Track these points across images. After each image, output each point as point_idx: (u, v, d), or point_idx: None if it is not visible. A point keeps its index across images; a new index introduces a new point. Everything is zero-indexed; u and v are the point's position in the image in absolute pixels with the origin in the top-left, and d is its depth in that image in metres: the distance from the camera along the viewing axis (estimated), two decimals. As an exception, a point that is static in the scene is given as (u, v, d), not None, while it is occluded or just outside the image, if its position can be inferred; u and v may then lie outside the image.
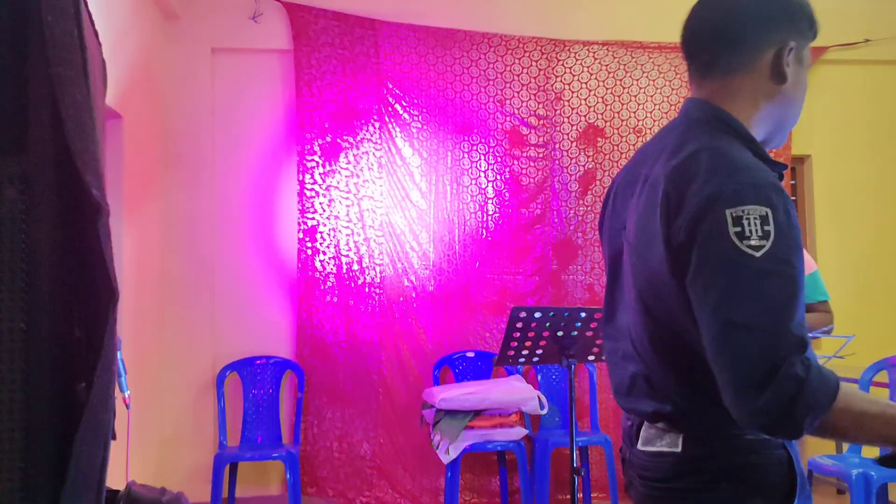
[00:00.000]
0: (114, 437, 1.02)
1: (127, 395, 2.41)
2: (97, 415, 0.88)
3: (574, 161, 4.95)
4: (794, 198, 5.40)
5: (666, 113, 5.03)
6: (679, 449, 1.31)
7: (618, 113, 5.00)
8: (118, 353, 1.67)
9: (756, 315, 1.14)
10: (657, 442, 1.34)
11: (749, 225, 1.15)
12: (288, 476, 4.24)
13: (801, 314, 1.16)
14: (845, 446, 4.44)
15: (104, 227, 0.89)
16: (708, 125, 1.34)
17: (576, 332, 2.66)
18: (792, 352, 1.12)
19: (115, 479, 1.00)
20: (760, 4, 1.40)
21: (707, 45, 1.42)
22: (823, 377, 1.15)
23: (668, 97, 5.04)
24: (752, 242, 1.14)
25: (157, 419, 4.46)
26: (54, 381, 0.86)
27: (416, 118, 4.80)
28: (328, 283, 4.69)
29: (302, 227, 4.70)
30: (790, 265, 1.16)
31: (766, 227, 1.15)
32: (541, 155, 4.92)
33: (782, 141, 1.46)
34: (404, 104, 4.79)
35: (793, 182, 5.39)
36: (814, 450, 4.83)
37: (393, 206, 4.75)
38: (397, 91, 4.78)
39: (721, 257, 1.16)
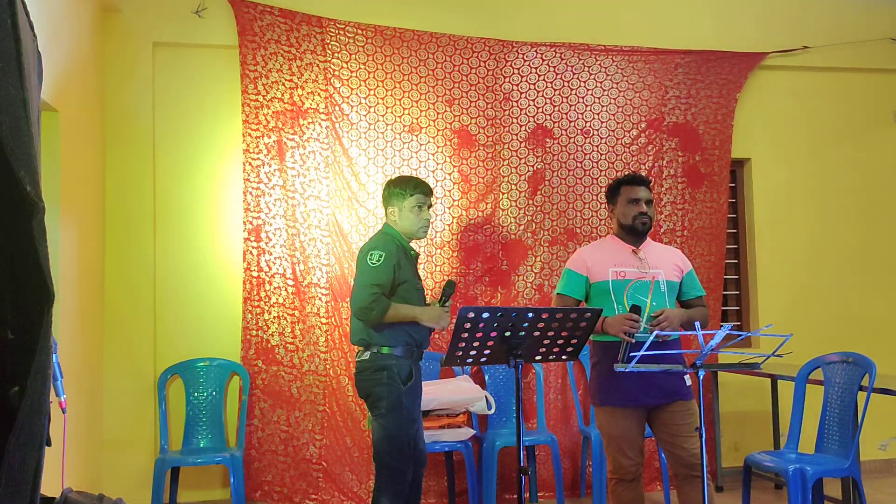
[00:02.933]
0: (49, 443, 0.98)
1: (63, 399, 2.33)
2: (30, 420, 0.84)
3: (523, 161, 4.98)
4: (733, 200, 5.53)
5: (613, 115, 5.10)
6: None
7: (566, 114, 5.05)
8: (54, 356, 1.61)
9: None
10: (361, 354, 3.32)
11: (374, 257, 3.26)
12: (232, 480, 4.16)
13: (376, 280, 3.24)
14: (783, 442, 4.56)
15: (39, 226, 0.86)
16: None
17: (523, 333, 2.67)
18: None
19: (51, 486, 0.96)
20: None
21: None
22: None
23: (615, 99, 5.11)
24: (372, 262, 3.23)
25: (96, 423, 4.33)
26: (-16, 386, 0.82)
27: (363, 117, 4.76)
28: (274, 283, 4.62)
29: (247, 227, 4.62)
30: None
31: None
32: (490, 155, 4.94)
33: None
34: (351, 103, 4.75)
35: (733, 184, 5.52)
36: (753, 447, 4.96)
37: (339, 205, 4.71)
38: (344, 90, 4.74)
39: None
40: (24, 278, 0.91)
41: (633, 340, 3.08)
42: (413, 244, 3.61)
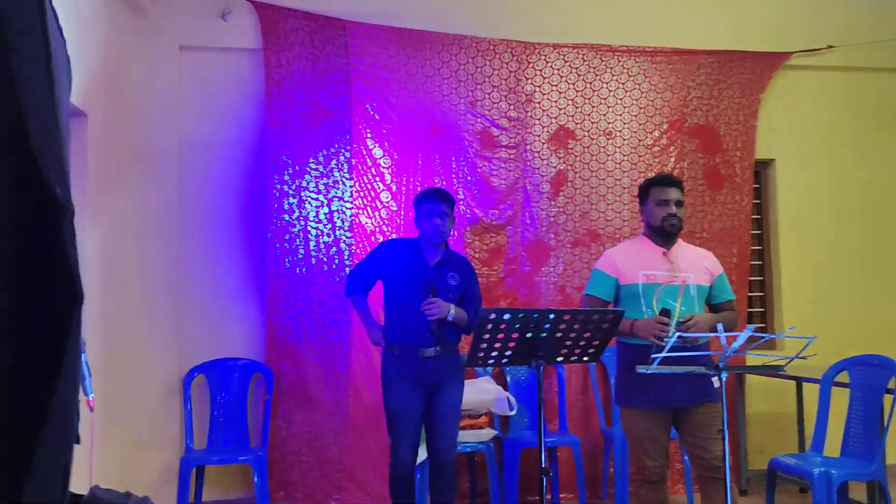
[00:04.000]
0: (77, 441, 1.01)
1: (91, 399, 2.37)
2: (60, 418, 0.86)
3: (545, 163, 4.97)
4: (757, 201, 5.48)
5: (635, 116, 5.08)
6: None
7: (588, 115, 5.04)
8: (83, 356, 1.65)
9: None
10: None
11: None
12: (256, 480, 4.20)
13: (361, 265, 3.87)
14: (808, 445, 4.52)
15: (68, 228, 0.88)
16: None
17: (545, 334, 2.67)
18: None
19: (79, 484, 0.98)
20: None
21: None
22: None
23: (637, 100, 5.09)
24: None
25: (123, 422, 4.39)
26: (15, 384, 0.85)
27: (386, 119, 4.79)
28: (297, 284, 4.66)
29: (271, 228, 4.66)
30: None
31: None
32: (512, 156, 4.94)
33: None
34: (375, 105, 4.78)
35: (756, 186, 5.47)
36: (778, 450, 4.91)
37: (363, 207, 4.74)
38: (368, 92, 4.77)
39: None
40: (53, 279, 0.93)
41: (664, 344, 3.02)
42: (435, 251, 3.73)
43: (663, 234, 3.35)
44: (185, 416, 4.49)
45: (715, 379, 3.12)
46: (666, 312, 3.13)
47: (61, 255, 0.87)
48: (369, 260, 3.82)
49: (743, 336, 2.70)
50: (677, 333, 3.04)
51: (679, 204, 3.36)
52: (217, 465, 4.46)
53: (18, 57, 0.82)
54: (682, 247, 3.42)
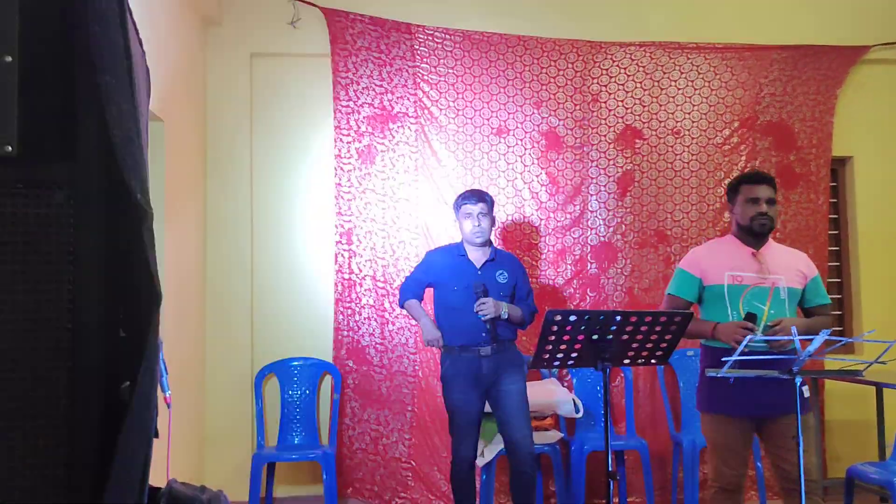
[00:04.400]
0: (156, 436, 1.05)
1: (168, 395, 2.45)
2: (141, 413, 0.90)
3: (612, 163, 4.92)
4: (835, 200, 5.30)
5: (705, 114, 4.98)
6: None
7: (655, 114, 4.96)
8: (160, 354, 1.71)
9: None
10: None
11: None
12: (325, 477, 4.28)
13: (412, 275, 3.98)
14: (888, 453, 4.34)
15: (148, 231, 0.92)
16: None
17: (611, 336, 2.65)
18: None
19: (157, 477, 1.02)
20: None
21: None
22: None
23: (706, 98, 4.99)
24: None
25: (198, 419, 4.53)
26: (99, 380, 0.89)
27: (452, 120, 4.81)
28: (364, 285, 4.73)
29: (339, 230, 4.74)
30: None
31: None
32: (578, 157, 4.90)
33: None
34: (440, 107, 4.81)
35: (833, 184, 5.30)
36: (856, 458, 4.73)
37: (428, 208, 4.77)
38: (433, 94, 4.80)
39: None
40: (134, 281, 0.97)
41: (746, 349, 2.84)
42: (480, 251, 3.82)
43: (753, 234, 3.19)
44: (257, 413, 4.60)
45: (806, 388, 2.92)
46: (751, 317, 3.01)
47: (142, 258, 0.91)
48: (417, 271, 3.96)
49: (818, 340, 2.62)
50: (761, 336, 2.92)
51: (770, 202, 3.20)
52: (287, 462, 4.56)
53: (103, 70, 0.87)
54: (773, 247, 3.26)
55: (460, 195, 3.90)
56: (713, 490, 3.19)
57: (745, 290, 3.12)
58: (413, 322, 4.69)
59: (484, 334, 3.65)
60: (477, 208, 3.77)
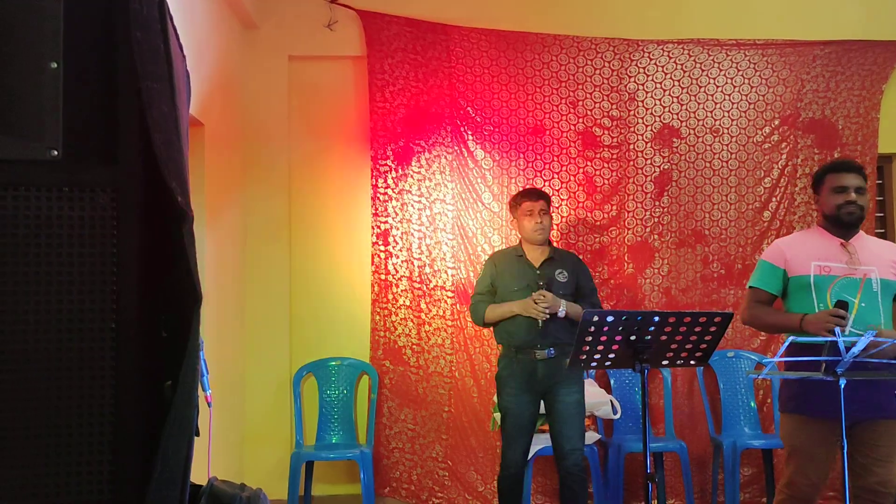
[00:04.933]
0: (197, 434, 1.07)
1: (209, 394, 2.48)
2: (182, 412, 0.92)
3: (649, 162, 4.87)
4: (881, 198, 5.18)
5: (744, 112, 4.90)
6: None
7: (694, 113, 4.90)
8: (201, 354, 1.74)
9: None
10: None
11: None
12: (362, 475, 4.30)
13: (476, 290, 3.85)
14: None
15: (188, 233, 0.94)
16: None
17: (649, 337, 2.62)
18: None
19: (198, 475, 1.04)
20: None
21: None
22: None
23: (746, 95, 4.91)
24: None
25: (238, 418, 4.59)
26: (142, 379, 0.91)
27: (487, 121, 4.81)
28: (401, 285, 4.74)
29: (375, 231, 4.77)
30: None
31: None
32: (614, 156, 4.86)
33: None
34: (476, 107, 4.81)
35: (880, 182, 5.18)
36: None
37: (465, 208, 4.77)
38: (469, 94, 4.80)
39: None
40: (176, 282, 0.98)
41: (841, 337, 2.65)
42: (538, 250, 3.76)
43: (840, 224, 3.02)
44: (296, 413, 4.65)
45: None
46: (843, 304, 2.80)
47: (183, 259, 0.93)
48: (483, 282, 3.84)
49: (863, 341, 2.56)
50: (856, 332, 2.74)
51: (860, 191, 3.02)
52: (325, 461, 4.60)
53: (144, 75, 0.89)
54: (863, 238, 3.09)
55: (518, 193, 3.87)
56: (781, 497, 2.97)
57: (834, 281, 2.93)
58: (450, 322, 4.69)
59: (541, 336, 3.54)
60: (538, 205, 3.72)
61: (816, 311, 2.93)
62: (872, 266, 2.95)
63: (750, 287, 3.18)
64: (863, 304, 2.90)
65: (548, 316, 3.53)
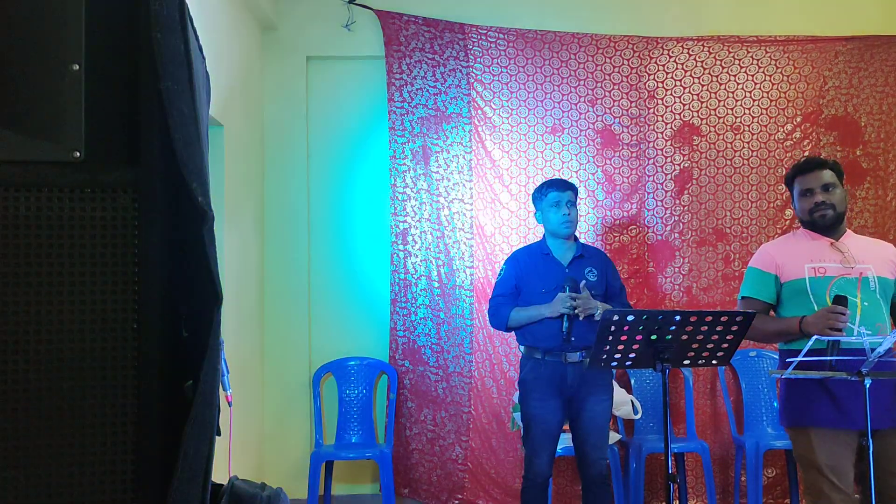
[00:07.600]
0: (218, 433, 1.07)
1: (229, 394, 2.50)
2: (203, 411, 0.92)
3: (669, 160, 4.84)
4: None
5: (766, 109, 4.85)
6: None
7: (714, 110, 4.86)
8: (222, 353, 1.74)
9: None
10: None
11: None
12: (381, 476, 4.31)
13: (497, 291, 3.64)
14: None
15: (209, 233, 0.94)
16: None
17: (670, 336, 2.60)
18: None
19: (219, 474, 1.04)
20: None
21: None
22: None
23: (767, 93, 4.86)
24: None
25: (258, 417, 4.62)
26: (163, 378, 0.91)
27: (505, 120, 4.80)
28: (419, 285, 4.74)
29: (394, 230, 4.77)
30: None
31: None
32: (634, 154, 4.83)
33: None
34: (494, 106, 4.80)
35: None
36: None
37: (483, 208, 4.77)
38: (487, 94, 4.80)
39: None
40: (196, 281, 0.99)
41: (844, 336, 2.56)
42: (565, 247, 3.60)
43: (817, 228, 2.90)
44: (315, 412, 4.66)
45: None
46: (841, 300, 2.65)
47: (203, 259, 0.93)
48: (504, 283, 3.60)
49: (889, 340, 2.52)
50: (859, 332, 2.64)
51: (827, 188, 2.87)
52: (345, 461, 4.61)
53: (164, 75, 0.89)
54: (853, 236, 2.97)
55: (543, 184, 3.64)
56: None
57: (831, 282, 2.79)
58: (469, 322, 4.69)
59: (570, 340, 3.32)
60: (565, 196, 3.50)
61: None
62: (868, 264, 2.83)
63: (741, 298, 3.03)
64: (866, 304, 2.77)
65: (578, 313, 3.30)
